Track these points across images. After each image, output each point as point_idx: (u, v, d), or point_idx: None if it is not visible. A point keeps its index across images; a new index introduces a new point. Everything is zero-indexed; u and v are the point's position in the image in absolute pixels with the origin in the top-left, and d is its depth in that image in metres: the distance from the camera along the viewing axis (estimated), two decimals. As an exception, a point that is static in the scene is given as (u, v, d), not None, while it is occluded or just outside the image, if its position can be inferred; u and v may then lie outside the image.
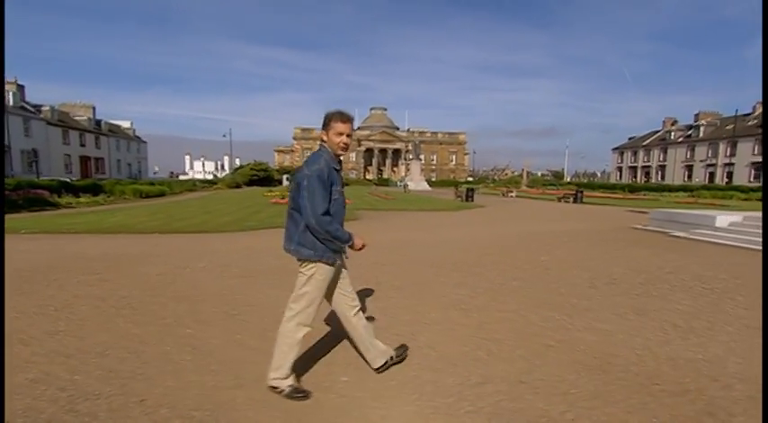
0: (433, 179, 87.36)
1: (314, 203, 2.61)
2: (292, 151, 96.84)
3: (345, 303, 3.00)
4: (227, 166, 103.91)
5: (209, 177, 79.12)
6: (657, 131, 77.37)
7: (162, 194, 31.13)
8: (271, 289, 5.44)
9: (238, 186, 54.55)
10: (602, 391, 2.92)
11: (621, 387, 2.97)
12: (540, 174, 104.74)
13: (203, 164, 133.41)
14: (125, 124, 75.99)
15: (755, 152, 53.57)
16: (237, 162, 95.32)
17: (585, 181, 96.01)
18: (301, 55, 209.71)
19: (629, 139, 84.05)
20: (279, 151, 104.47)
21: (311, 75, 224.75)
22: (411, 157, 61.92)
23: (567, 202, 28.62)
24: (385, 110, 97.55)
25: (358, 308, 3.04)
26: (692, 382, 3.06)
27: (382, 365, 3.14)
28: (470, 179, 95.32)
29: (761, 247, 8.67)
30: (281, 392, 2.79)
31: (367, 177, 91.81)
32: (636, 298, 5.26)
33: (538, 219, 16.68)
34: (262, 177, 62.19)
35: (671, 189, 46.78)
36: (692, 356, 3.50)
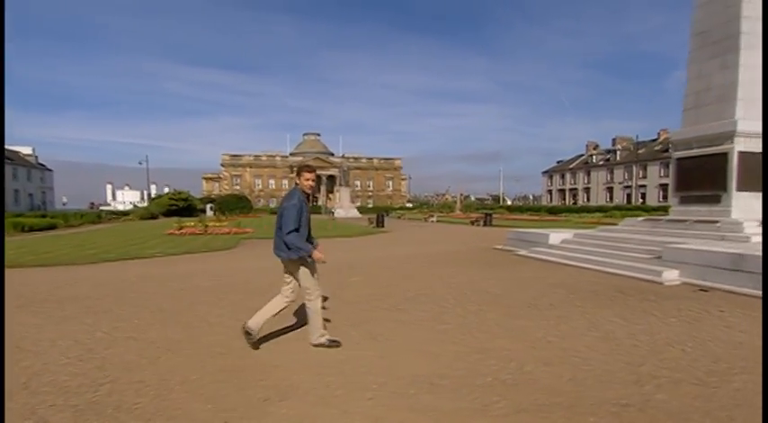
0: (370, 205, 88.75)
1: (287, 226, 4.15)
2: (220, 178, 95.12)
3: (285, 294, 4.48)
4: (154, 196, 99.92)
5: (131, 208, 75.70)
6: (582, 155, 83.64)
7: (53, 227, 29.63)
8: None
9: (154, 217, 52.61)
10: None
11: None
12: (474, 198, 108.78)
13: (125, 194, 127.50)
14: (25, 150, 71.54)
15: (662, 174, 59.34)
16: (166, 190, 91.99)
17: (521, 204, 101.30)
18: (239, 77, 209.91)
19: (558, 162, 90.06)
20: (207, 179, 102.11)
21: (250, 98, 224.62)
22: (341, 183, 62.69)
23: (478, 225, 30.24)
24: (318, 135, 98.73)
25: (289, 299, 4.49)
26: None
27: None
28: (409, 205, 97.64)
29: (578, 264, 9.90)
30: (322, 345, 4.37)
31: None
32: (399, 311, 6.02)
33: (426, 242, 17.68)
34: (182, 207, 60.32)
35: (589, 210, 50.52)
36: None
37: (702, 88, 10.62)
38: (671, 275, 7.84)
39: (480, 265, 10.21)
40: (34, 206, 65.90)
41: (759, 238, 8.81)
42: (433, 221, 37.77)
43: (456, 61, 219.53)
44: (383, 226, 28.65)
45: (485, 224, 29.86)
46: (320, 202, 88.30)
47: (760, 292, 6.53)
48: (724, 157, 9.96)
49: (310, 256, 4.29)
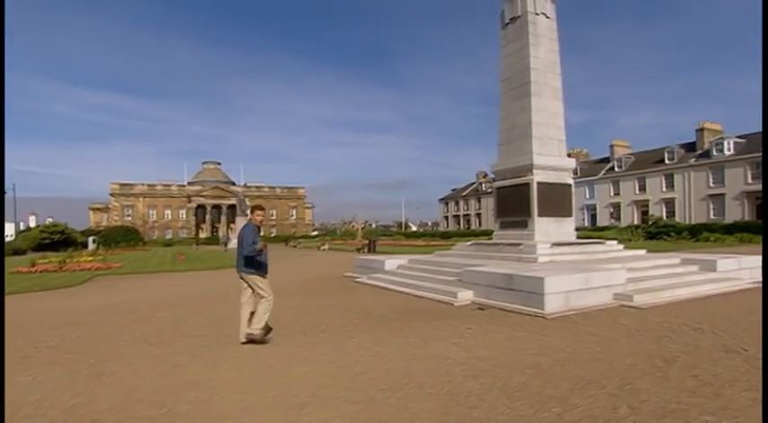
0: (273, 234, 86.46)
1: (248, 241, 5.68)
2: (109, 209, 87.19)
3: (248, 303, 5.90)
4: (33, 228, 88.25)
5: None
6: (473, 183, 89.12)
7: None
8: None
9: (19, 253, 46.53)
10: None
11: None
12: (375, 225, 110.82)
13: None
14: None
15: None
16: (49, 221, 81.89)
17: (421, 230, 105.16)
18: (138, 102, 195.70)
19: (453, 190, 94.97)
20: (94, 209, 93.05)
21: (151, 124, 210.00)
22: (238, 213, 60.49)
23: (363, 252, 30.66)
24: (219, 164, 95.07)
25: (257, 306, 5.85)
26: None
27: (247, 341, 5.74)
28: (314, 233, 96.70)
29: (400, 288, 10.30)
30: (256, 336, 5.66)
31: (200, 235, 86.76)
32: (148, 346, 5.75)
33: (289, 272, 17.50)
34: (57, 241, 54.23)
35: (476, 234, 53.67)
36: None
37: (510, 127, 11.88)
38: (465, 296, 8.44)
39: (309, 294, 10.25)
40: None
41: (548, 258, 9.88)
42: (324, 249, 37.71)
43: (364, 93, 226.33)
44: (266, 256, 27.94)
45: (369, 250, 30.38)
46: (221, 233, 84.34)
47: (526, 308, 7.25)
48: (528, 187, 11.12)
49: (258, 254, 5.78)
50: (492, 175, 12.54)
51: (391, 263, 12.14)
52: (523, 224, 11.29)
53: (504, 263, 9.89)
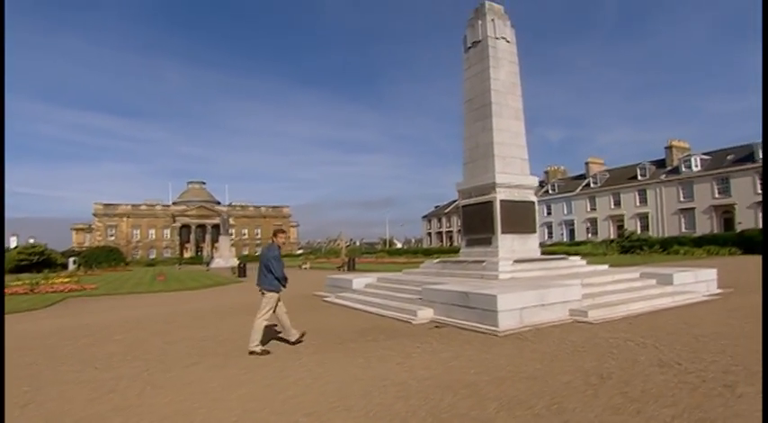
0: (258, 253, 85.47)
1: (279, 268, 6.43)
2: (92, 229, 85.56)
3: (282, 311, 6.69)
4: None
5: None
6: (455, 201, 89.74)
7: None
8: None
9: (-4, 275, 45.10)
10: None
11: None
12: (359, 242, 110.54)
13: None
14: None
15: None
16: (31, 242, 79.82)
17: (405, 247, 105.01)
18: (125, 122, 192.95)
19: (436, 207, 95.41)
20: (77, 229, 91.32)
21: (137, 144, 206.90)
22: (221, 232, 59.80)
23: (342, 270, 30.42)
24: (204, 184, 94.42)
25: (285, 312, 6.77)
26: None
27: (296, 341, 6.67)
28: (300, 251, 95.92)
29: (365, 307, 10.18)
30: (256, 353, 6.07)
31: (185, 255, 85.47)
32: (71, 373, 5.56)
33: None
34: (36, 262, 52.75)
35: (456, 250, 53.70)
36: None
37: (473, 146, 12.00)
38: (425, 314, 8.37)
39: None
40: None
41: (509, 275, 9.89)
42: (305, 268, 37.31)
43: (350, 114, 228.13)
44: (245, 276, 27.60)
45: (348, 269, 30.16)
46: (205, 252, 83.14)
47: (481, 325, 7.21)
48: (491, 204, 11.19)
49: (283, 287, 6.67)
50: (458, 194, 12.53)
51: (359, 282, 12.03)
52: (488, 241, 11.33)
53: (466, 280, 9.87)
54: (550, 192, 65.58)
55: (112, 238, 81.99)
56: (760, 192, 42.34)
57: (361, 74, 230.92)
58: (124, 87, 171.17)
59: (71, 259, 55.11)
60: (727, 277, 13.12)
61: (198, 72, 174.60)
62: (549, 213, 64.96)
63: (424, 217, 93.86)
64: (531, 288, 7.93)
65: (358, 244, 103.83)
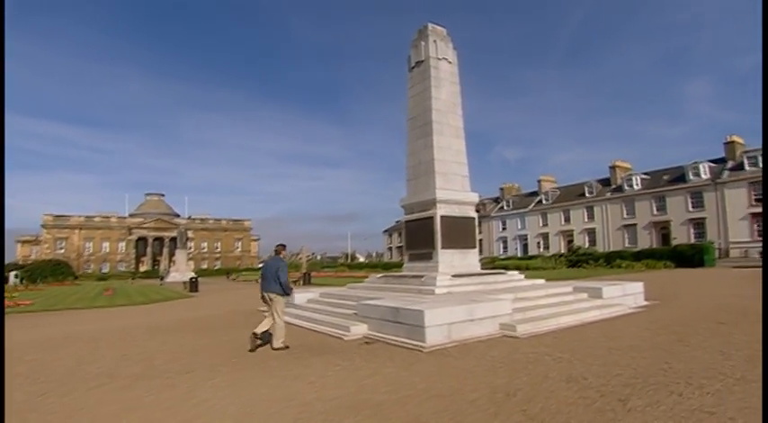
0: (217, 267, 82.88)
1: (285, 275, 7.32)
2: (41, 241, 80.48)
3: (269, 319, 7.41)
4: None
5: None
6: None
7: None
8: None
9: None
10: None
11: None
12: (320, 256, 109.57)
13: None
14: None
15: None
16: None
17: (366, 261, 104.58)
18: (84, 131, 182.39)
19: (396, 222, 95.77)
20: (23, 242, 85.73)
21: (97, 155, 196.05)
22: (178, 246, 57.63)
23: (298, 284, 29.81)
24: (162, 196, 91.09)
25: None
26: None
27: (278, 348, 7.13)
28: (260, 265, 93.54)
29: (303, 323, 9.88)
30: (281, 349, 7.03)
31: (141, 269, 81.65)
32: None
33: (209, 307, 16.64)
34: (-28, 277, 48.86)
35: (415, 265, 53.88)
36: None
37: (416, 163, 12.06)
38: (359, 330, 8.18)
39: (206, 331, 9.62)
40: None
41: (446, 290, 9.86)
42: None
43: (315, 129, 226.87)
44: (197, 290, 26.55)
45: (303, 283, 29.60)
46: (162, 266, 79.78)
47: (410, 341, 7.08)
48: (432, 220, 11.20)
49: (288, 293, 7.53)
50: (403, 210, 12.50)
51: (302, 296, 11.71)
52: (428, 256, 11.32)
53: (403, 295, 9.77)
54: (505, 208, 67.20)
55: (62, 251, 77.36)
56: (692, 210, 44.96)
57: (326, 90, 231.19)
58: (81, 95, 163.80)
59: (12, 273, 51.48)
60: (656, 290, 13.67)
61: (162, 84, 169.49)
62: (504, 228, 66.47)
63: (385, 231, 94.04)
64: (462, 303, 7.89)
65: (319, 258, 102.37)
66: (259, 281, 7.76)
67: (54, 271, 56.23)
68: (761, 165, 40.60)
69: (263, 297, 7.48)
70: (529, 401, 4.23)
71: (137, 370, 6.23)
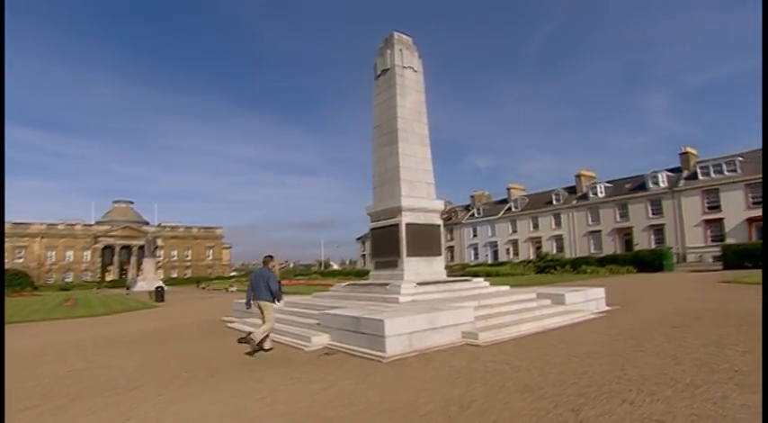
0: (188, 275, 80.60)
1: (276, 284, 7.82)
2: (-2, 251, 76.37)
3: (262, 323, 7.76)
4: None
5: None
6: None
7: None
8: None
9: None
10: None
11: None
12: (293, 264, 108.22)
13: None
14: None
15: (448, 238, 67.25)
16: None
17: (341, 268, 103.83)
18: (48, 136, 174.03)
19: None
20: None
21: (63, 160, 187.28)
22: (146, 254, 55.73)
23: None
24: (131, 203, 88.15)
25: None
26: None
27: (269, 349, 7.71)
28: (233, 273, 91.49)
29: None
30: (250, 341, 7.29)
31: (107, 278, 78.51)
32: None
33: (174, 317, 16.00)
34: None
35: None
36: None
37: (382, 171, 11.93)
38: (320, 340, 7.94)
39: (165, 342, 9.21)
40: None
41: (410, 298, 9.71)
42: (232, 291, 35.49)
43: (289, 136, 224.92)
44: (163, 300, 25.58)
45: (274, 291, 28.99)
46: (130, 275, 76.96)
47: (371, 351, 6.89)
48: (397, 228, 11.07)
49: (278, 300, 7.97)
50: (369, 217, 12.33)
51: (263, 306, 11.33)
52: (394, 264, 11.17)
53: (368, 304, 9.58)
54: (476, 215, 67.93)
55: (21, 260, 73.61)
56: (652, 216, 46.51)
57: (300, 98, 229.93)
58: (46, 99, 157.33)
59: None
60: (618, 294, 13.92)
61: (133, 89, 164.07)
62: (474, 235, 67.11)
63: (358, 239, 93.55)
64: (423, 311, 7.75)
65: (293, 266, 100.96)
66: (247, 290, 8.02)
67: (10, 281, 53.31)
68: (713, 175, 42.48)
69: (248, 304, 7.85)
70: (482, 414, 4.11)
71: (78, 388, 5.82)
